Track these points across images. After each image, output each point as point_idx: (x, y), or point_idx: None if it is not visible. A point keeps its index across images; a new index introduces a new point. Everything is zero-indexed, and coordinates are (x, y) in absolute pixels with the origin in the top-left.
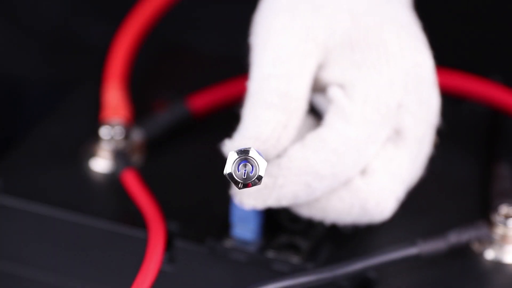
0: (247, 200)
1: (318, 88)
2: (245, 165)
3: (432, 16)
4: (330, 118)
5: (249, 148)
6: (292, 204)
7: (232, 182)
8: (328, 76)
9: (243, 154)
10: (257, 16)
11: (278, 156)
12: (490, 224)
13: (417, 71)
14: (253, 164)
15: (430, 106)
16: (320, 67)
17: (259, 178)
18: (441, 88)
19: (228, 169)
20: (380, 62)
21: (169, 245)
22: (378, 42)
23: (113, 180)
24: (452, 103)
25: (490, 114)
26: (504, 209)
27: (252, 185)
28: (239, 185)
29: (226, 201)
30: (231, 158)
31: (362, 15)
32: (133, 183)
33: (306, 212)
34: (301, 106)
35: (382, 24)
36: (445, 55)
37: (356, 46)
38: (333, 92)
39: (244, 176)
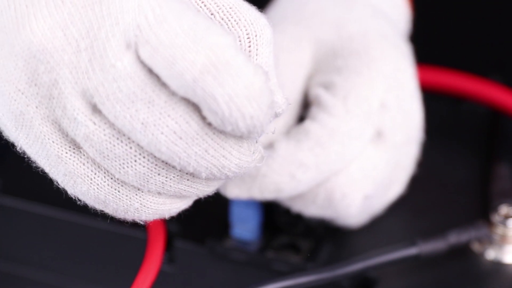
0: (232, 189)
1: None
2: None
3: (433, 16)
4: (313, 111)
5: None
6: (277, 198)
7: None
8: (311, 82)
9: None
10: None
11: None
12: (490, 224)
13: (398, 75)
14: None
15: (411, 118)
16: (309, 77)
17: None
18: (441, 88)
19: None
20: (360, 66)
21: (169, 245)
22: (360, 49)
23: None
24: (452, 103)
25: (490, 115)
26: (504, 209)
27: None
28: None
29: (226, 201)
30: None
31: (347, 25)
32: None
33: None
34: (292, 106)
35: (365, 34)
36: (445, 55)
37: (339, 54)
38: (315, 90)
39: None
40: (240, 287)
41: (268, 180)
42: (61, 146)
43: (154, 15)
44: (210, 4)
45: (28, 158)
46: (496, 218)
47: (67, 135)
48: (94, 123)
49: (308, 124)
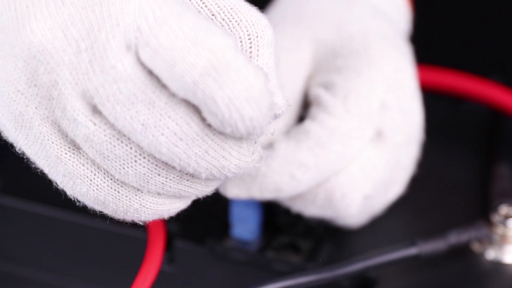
0: (231, 189)
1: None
2: None
3: (433, 16)
4: (313, 112)
5: None
6: (277, 198)
7: None
8: (311, 82)
9: None
10: None
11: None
12: (490, 224)
13: (397, 75)
14: None
15: (411, 118)
16: (309, 77)
17: None
18: (441, 88)
19: None
20: (360, 66)
21: (169, 245)
22: (361, 49)
23: None
24: (452, 103)
25: (490, 115)
26: (504, 209)
27: None
28: None
29: (226, 201)
30: None
31: (347, 25)
32: None
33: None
34: (292, 106)
35: (366, 34)
36: (445, 55)
37: (339, 54)
38: (315, 90)
39: None
40: (240, 287)
41: (268, 180)
42: (60, 147)
43: (155, 17)
44: (211, 5)
45: (28, 158)
46: (496, 218)
47: (66, 136)
48: (94, 124)
49: (308, 124)
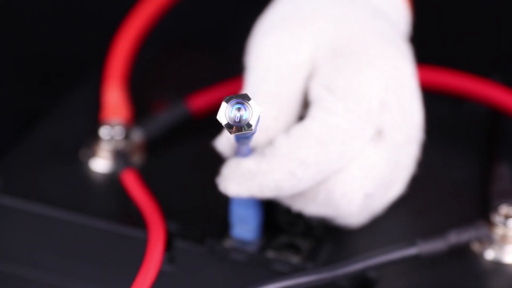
0: (232, 186)
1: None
2: (239, 109)
3: (433, 16)
4: (313, 110)
5: (246, 93)
6: (277, 196)
7: (222, 124)
8: (311, 82)
9: (240, 98)
10: (251, 38)
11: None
12: (490, 224)
13: (397, 74)
14: (247, 109)
15: (411, 117)
16: (309, 77)
17: (249, 125)
18: (441, 88)
19: (221, 111)
20: (360, 65)
21: (169, 245)
22: (360, 48)
23: (113, 180)
24: (452, 103)
25: (490, 114)
26: (504, 209)
27: (242, 131)
28: (230, 128)
29: (226, 201)
30: (225, 102)
31: (347, 24)
32: (133, 183)
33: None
34: (292, 105)
35: (365, 34)
36: (445, 55)
37: (339, 53)
38: (315, 89)
39: (236, 119)
40: (240, 287)
41: (268, 178)
42: None
43: None
44: None
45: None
46: (496, 218)
47: None
48: None
49: (308, 122)
